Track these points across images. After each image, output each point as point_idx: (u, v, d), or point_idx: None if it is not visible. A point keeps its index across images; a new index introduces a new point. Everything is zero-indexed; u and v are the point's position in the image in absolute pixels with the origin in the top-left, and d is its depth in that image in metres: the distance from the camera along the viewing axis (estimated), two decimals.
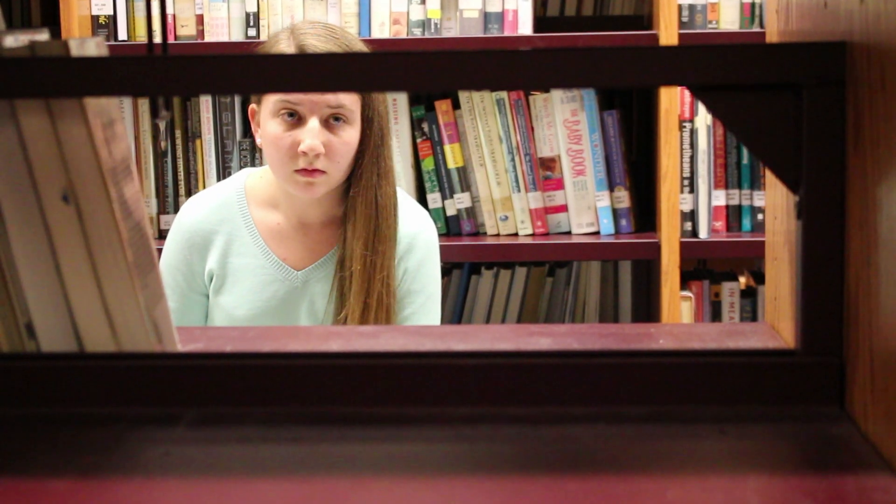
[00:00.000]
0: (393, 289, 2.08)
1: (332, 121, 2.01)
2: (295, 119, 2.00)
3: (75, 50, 1.01)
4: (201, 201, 2.15)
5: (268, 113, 2.02)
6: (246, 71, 0.99)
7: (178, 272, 2.11)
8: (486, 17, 2.69)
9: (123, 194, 1.04)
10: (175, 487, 0.86)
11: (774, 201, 1.19)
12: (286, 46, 2.04)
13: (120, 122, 1.09)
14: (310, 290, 2.09)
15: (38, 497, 0.84)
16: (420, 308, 2.14)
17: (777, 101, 0.97)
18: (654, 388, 0.99)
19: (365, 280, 2.04)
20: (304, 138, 1.98)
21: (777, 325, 1.18)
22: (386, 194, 2.07)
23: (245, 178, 2.16)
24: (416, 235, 2.13)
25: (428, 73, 0.97)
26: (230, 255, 2.10)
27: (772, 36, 1.22)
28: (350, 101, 2.01)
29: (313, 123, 1.99)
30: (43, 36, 1.06)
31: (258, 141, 2.08)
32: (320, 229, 2.11)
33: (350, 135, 2.02)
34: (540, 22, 2.88)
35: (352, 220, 2.05)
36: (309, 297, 2.10)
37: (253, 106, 2.11)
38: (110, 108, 1.06)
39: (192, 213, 2.12)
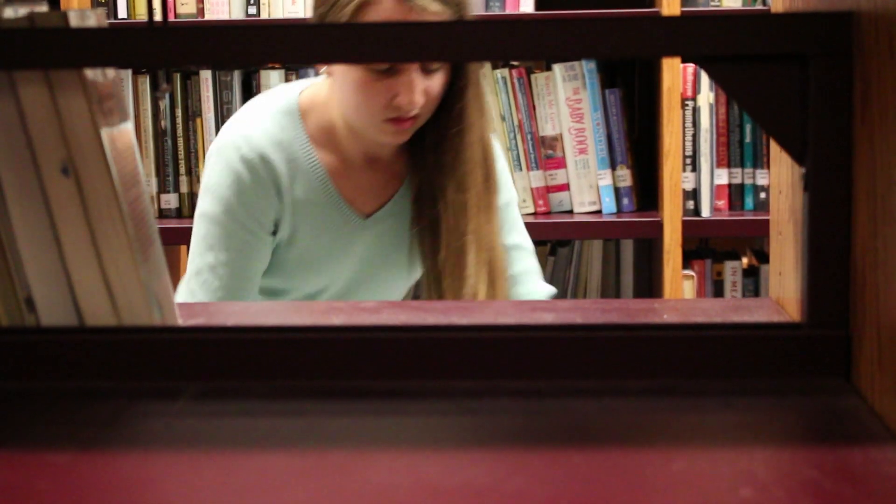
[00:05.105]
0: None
1: (429, 65, 1.75)
2: (388, 67, 1.72)
3: (75, 21, 1.00)
4: (259, 125, 1.84)
5: None
6: (247, 42, 0.98)
7: (243, 210, 1.82)
8: None
9: (124, 167, 1.03)
10: (176, 461, 0.86)
11: (779, 177, 1.18)
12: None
13: (120, 96, 1.08)
14: (379, 232, 1.87)
15: (39, 470, 0.83)
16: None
17: (783, 71, 0.96)
18: (660, 362, 0.98)
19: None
20: (402, 91, 1.73)
21: (781, 300, 1.17)
22: (489, 133, 1.85)
23: (297, 98, 1.88)
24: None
25: (433, 42, 0.96)
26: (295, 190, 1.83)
27: (777, 9, 1.20)
28: None
29: (414, 76, 1.73)
30: (42, 7, 1.05)
31: (323, 67, 1.84)
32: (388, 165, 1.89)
33: (443, 76, 1.77)
34: None
35: (460, 166, 1.80)
36: (379, 241, 1.88)
37: None
38: (113, 83, 1.05)
39: (254, 139, 1.82)
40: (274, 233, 1.85)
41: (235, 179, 1.81)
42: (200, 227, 1.86)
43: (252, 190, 1.81)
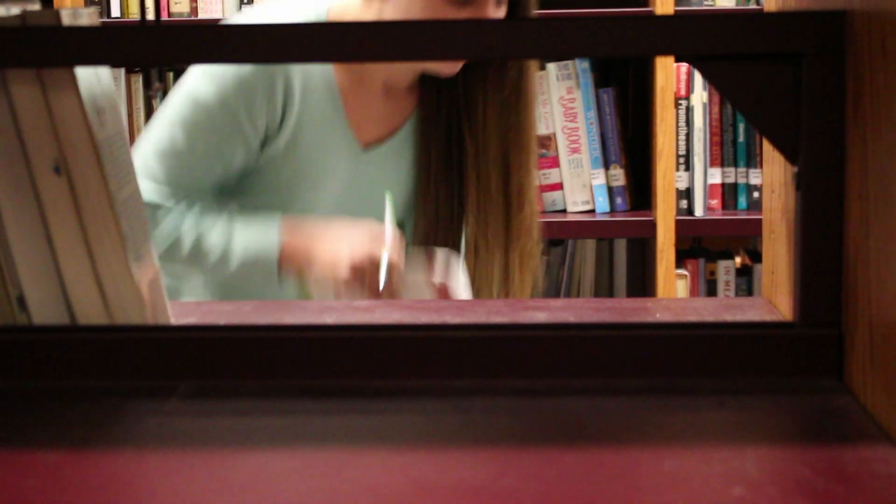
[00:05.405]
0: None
1: None
2: None
3: (67, 20, 1.00)
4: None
5: None
6: (240, 41, 0.97)
7: (240, 103, 1.71)
8: None
9: (116, 165, 1.03)
10: (168, 460, 0.86)
11: (772, 176, 1.18)
12: None
13: (114, 94, 1.08)
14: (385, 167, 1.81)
15: (31, 470, 0.83)
16: None
17: (776, 70, 0.96)
18: (652, 361, 0.98)
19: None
20: None
21: (774, 299, 1.17)
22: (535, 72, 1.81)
23: (325, 12, 1.76)
24: None
25: (428, 42, 0.96)
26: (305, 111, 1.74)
27: (770, 9, 1.21)
28: None
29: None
30: (34, 6, 1.05)
31: None
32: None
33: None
34: None
35: (523, 108, 1.76)
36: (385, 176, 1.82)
37: None
38: (105, 81, 1.05)
39: None
40: (264, 144, 1.74)
41: (241, 80, 1.70)
42: (182, 105, 1.71)
43: (258, 94, 1.70)
